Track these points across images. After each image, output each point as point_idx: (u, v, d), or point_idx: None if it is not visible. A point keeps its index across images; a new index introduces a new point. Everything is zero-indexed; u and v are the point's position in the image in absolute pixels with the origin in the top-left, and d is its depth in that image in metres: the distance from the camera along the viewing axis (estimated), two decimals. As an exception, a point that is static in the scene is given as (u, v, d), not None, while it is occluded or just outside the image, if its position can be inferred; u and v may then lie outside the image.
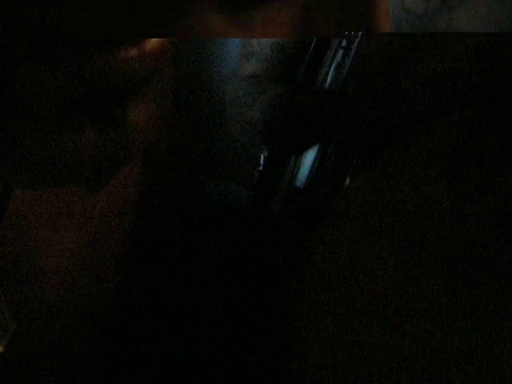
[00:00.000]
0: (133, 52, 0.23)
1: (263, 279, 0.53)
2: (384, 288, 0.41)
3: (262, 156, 0.82)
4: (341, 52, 0.88)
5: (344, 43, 0.87)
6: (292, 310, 0.46)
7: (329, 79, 0.89)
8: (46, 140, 0.24)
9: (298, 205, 0.84)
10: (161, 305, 0.47)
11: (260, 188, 0.83)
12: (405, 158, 0.46)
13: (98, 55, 0.23)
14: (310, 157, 1.03)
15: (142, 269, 0.46)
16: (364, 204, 0.44)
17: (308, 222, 0.77)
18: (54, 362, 0.41)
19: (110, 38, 0.22)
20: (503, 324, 0.38)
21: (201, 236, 0.52)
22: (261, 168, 0.83)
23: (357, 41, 0.84)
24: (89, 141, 0.24)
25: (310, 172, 1.02)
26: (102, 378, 0.42)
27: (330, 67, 0.89)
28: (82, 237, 0.39)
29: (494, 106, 0.47)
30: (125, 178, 0.42)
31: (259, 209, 0.71)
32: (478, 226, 0.39)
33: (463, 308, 0.39)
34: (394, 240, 0.41)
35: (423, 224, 0.41)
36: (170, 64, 0.27)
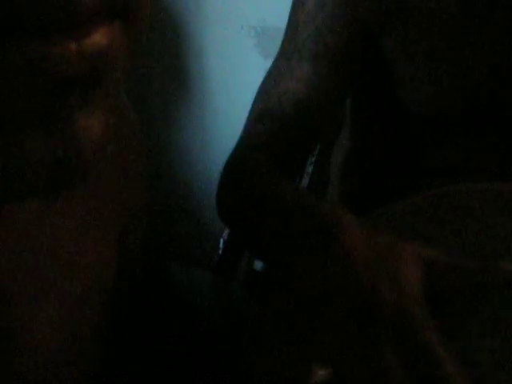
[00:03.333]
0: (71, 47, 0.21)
1: (223, 361, 0.54)
2: None
3: (222, 240, 0.86)
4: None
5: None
6: None
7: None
8: None
9: (257, 286, 0.87)
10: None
11: (220, 271, 0.86)
12: None
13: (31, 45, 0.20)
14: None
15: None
16: None
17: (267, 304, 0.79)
18: None
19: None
20: None
21: (164, 322, 0.53)
22: (220, 252, 0.86)
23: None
24: (35, 142, 0.22)
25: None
26: None
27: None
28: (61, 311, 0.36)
29: None
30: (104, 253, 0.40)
31: (220, 291, 0.73)
32: None
33: None
34: None
35: None
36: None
